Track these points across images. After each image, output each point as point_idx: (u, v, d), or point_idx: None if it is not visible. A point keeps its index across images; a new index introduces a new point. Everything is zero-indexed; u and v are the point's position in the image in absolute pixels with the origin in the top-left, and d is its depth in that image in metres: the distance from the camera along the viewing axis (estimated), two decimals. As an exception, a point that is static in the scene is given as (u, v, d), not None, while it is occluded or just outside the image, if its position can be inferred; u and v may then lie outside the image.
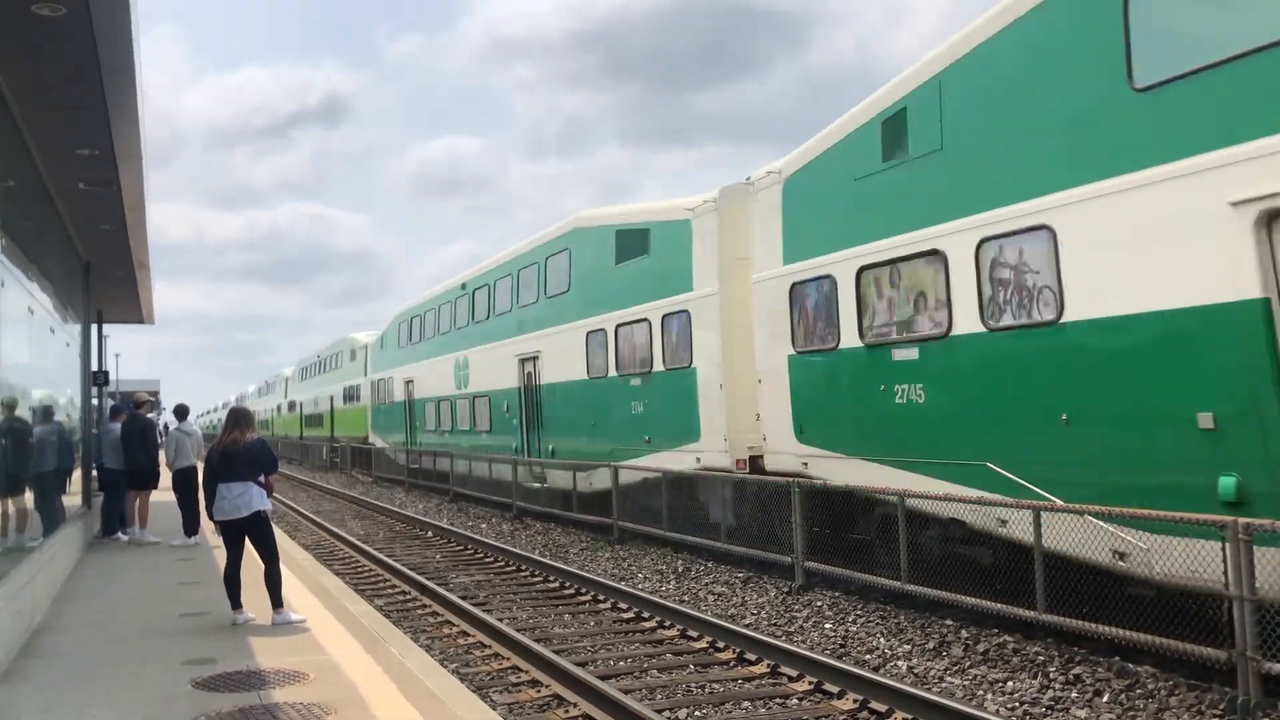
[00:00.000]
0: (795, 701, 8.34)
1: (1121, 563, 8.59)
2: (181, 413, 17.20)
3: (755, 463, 14.53)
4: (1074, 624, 8.75)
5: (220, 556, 13.79)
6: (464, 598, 12.81)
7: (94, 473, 17.43)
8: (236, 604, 9.51)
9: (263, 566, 9.57)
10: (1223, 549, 7.49)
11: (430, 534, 20.81)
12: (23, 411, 9.90)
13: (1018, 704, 8.01)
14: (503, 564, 16.18)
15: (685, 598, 12.74)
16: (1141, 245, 8.47)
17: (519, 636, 10.12)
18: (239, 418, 9.74)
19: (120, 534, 16.01)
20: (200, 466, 16.78)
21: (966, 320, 10.43)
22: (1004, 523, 9.73)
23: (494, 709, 7.44)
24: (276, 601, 9.46)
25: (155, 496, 16.49)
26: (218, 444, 9.65)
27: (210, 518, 9.77)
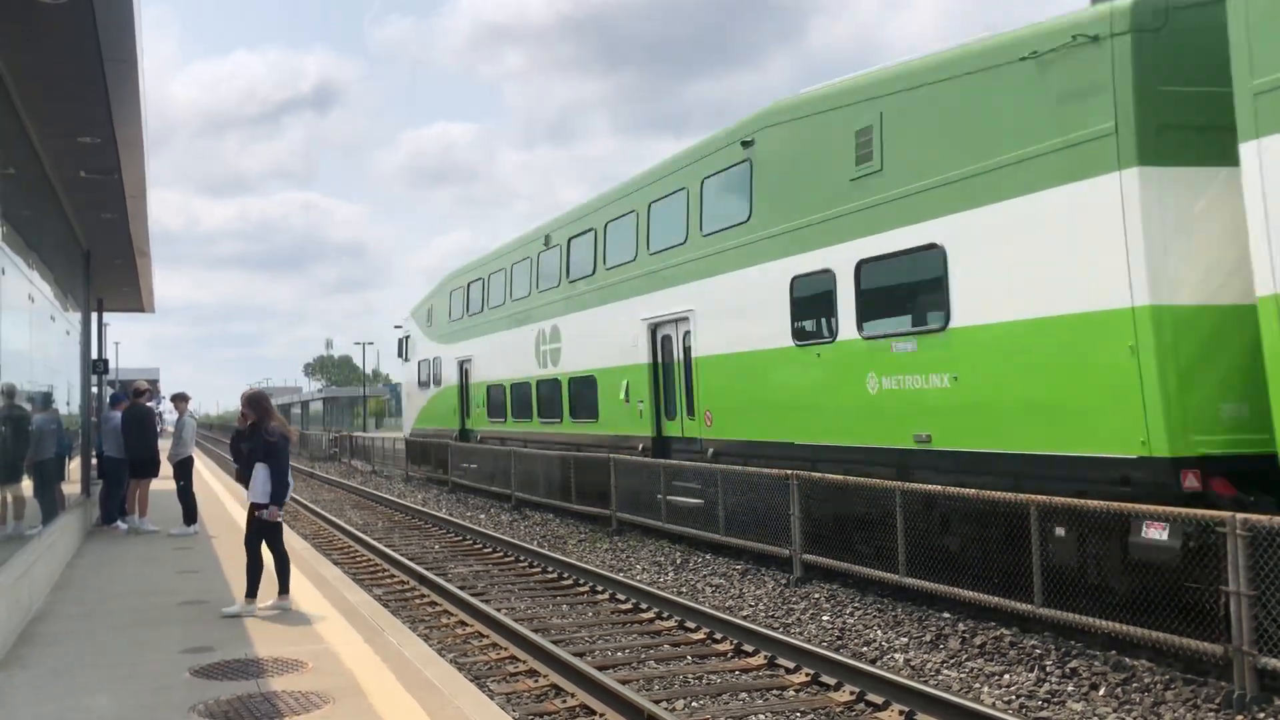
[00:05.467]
0: (792, 693, 8.36)
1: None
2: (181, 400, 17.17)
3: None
4: (1071, 618, 8.78)
5: (217, 546, 13.85)
6: (462, 588, 12.83)
7: (94, 461, 17.44)
8: (251, 592, 9.46)
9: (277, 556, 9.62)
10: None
11: (428, 524, 20.84)
12: (22, 399, 9.91)
13: (1014, 697, 8.04)
14: (501, 554, 16.20)
15: (683, 589, 12.77)
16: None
17: (517, 626, 10.13)
18: (246, 401, 9.80)
19: (119, 523, 16.02)
20: (194, 456, 16.87)
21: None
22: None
23: (492, 698, 7.46)
24: (248, 591, 9.42)
25: (155, 485, 16.51)
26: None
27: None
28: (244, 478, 9.74)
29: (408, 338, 34.53)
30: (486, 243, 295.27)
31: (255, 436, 9.58)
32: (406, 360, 34.79)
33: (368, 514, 23.56)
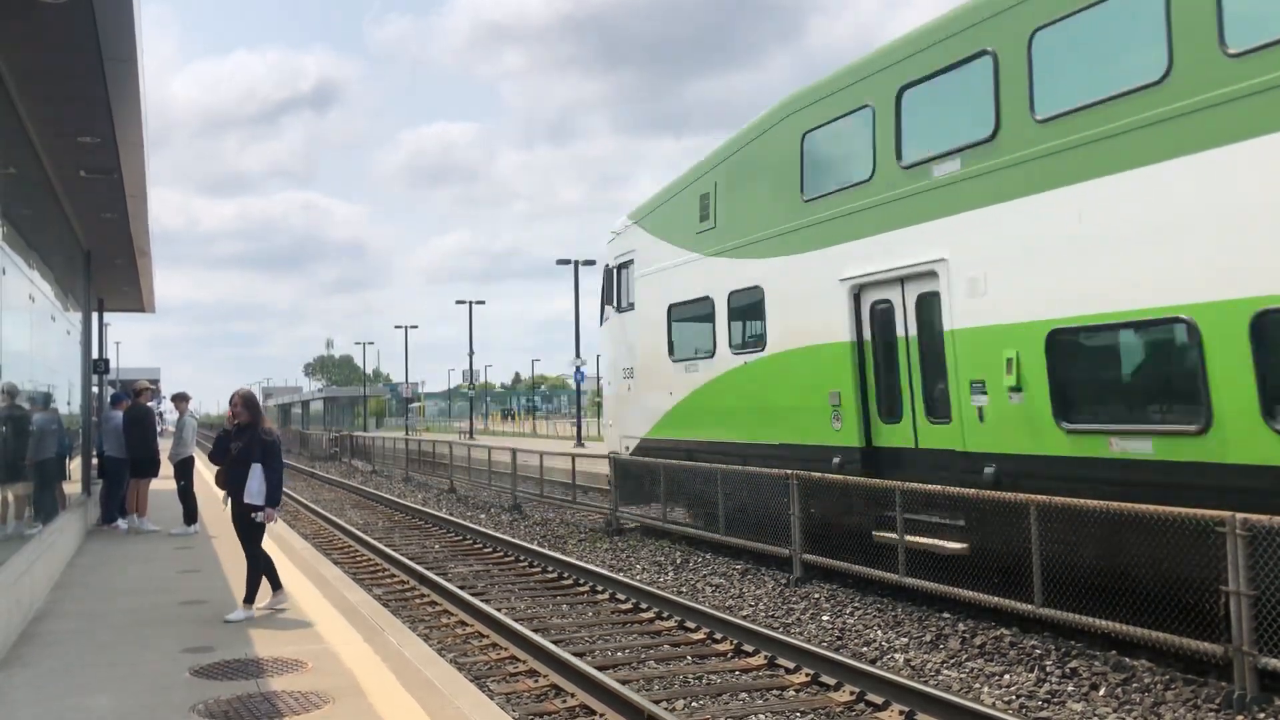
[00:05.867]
0: (792, 693, 8.36)
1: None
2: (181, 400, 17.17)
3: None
4: (1071, 618, 8.77)
5: (218, 547, 13.84)
6: (462, 587, 12.83)
7: (94, 460, 17.45)
8: (250, 597, 9.38)
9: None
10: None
11: (429, 524, 20.84)
12: (23, 399, 9.91)
13: (1014, 697, 8.03)
14: (501, 554, 16.20)
15: (683, 589, 12.76)
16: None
17: (517, 626, 10.13)
18: (242, 400, 9.68)
19: (120, 522, 16.04)
20: (195, 455, 16.85)
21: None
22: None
23: (492, 698, 7.46)
24: (248, 596, 9.36)
25: (155, 485, 16.51)
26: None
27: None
28: (234, 478, 9.51)
29: (626, 265, 18.48)
30: (486, 243, 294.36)
31: (246, 436, 9.46)
32: (623, 308, 18.64)
33: (368, 514, 23.57)
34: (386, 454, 40.40)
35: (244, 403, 9.62)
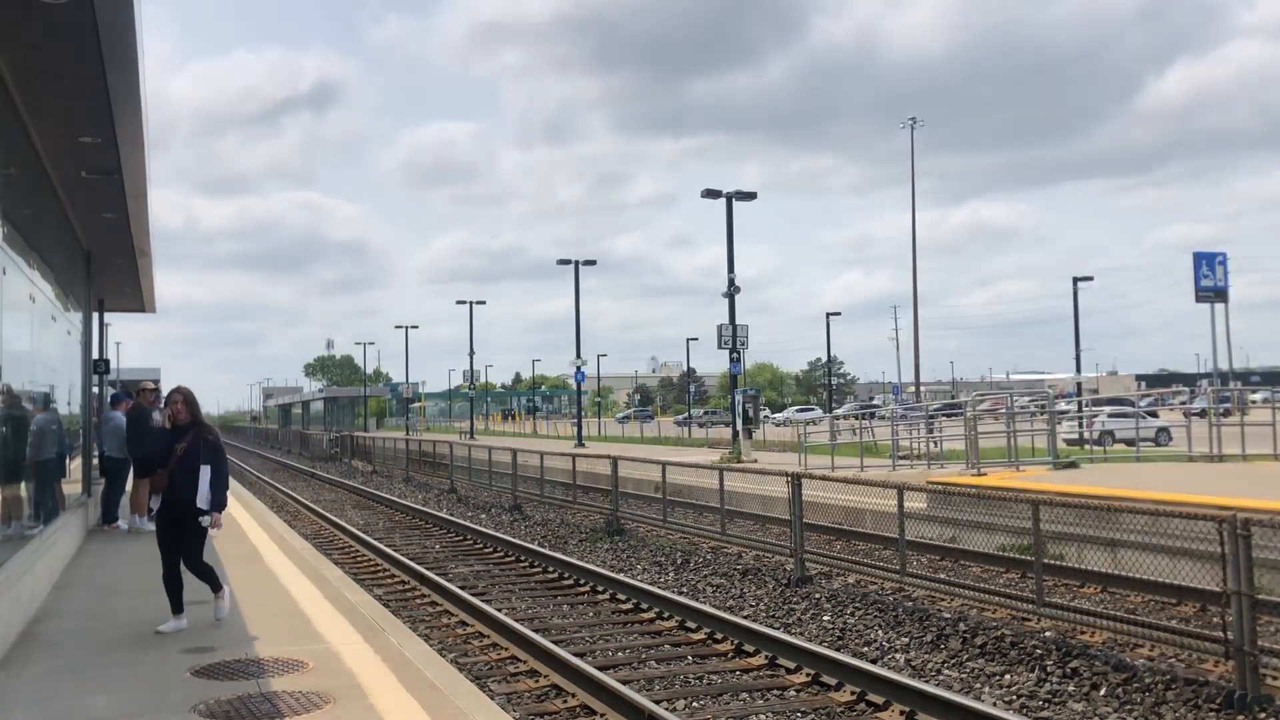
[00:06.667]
0: (793, 693, 8.36)
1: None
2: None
3: None
4: (1072, 617, 8.78)
5: (217, 547, 13.82)
6: (463, 587, 12.83)
7: (95, 460, 17.46)
8: (217, 586, 9.06)
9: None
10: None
11: (429, 524, 20.84)
12: (23, 399, 9.91)
13: (1015, 697, 8.03)
14: (501, 554, 16.20)
15: (684, 589, 12.76)
16: None
17: (518, 626, 10.13)
18: (185, 399, 9.06)
19: (120, 522, 16.03)
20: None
21: None
22: None
23: (492, 699, 7.45)
24: (214, 586, 9.04)
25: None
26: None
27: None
28: (181, 480, 8.79)
29: None
30: (485, 243, 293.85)
31: (189, 436, 8.90)
32: None
33: (368, 514, 23.57)
34: (387, 454, 40.41)
35: (184, 401, 9.01)
